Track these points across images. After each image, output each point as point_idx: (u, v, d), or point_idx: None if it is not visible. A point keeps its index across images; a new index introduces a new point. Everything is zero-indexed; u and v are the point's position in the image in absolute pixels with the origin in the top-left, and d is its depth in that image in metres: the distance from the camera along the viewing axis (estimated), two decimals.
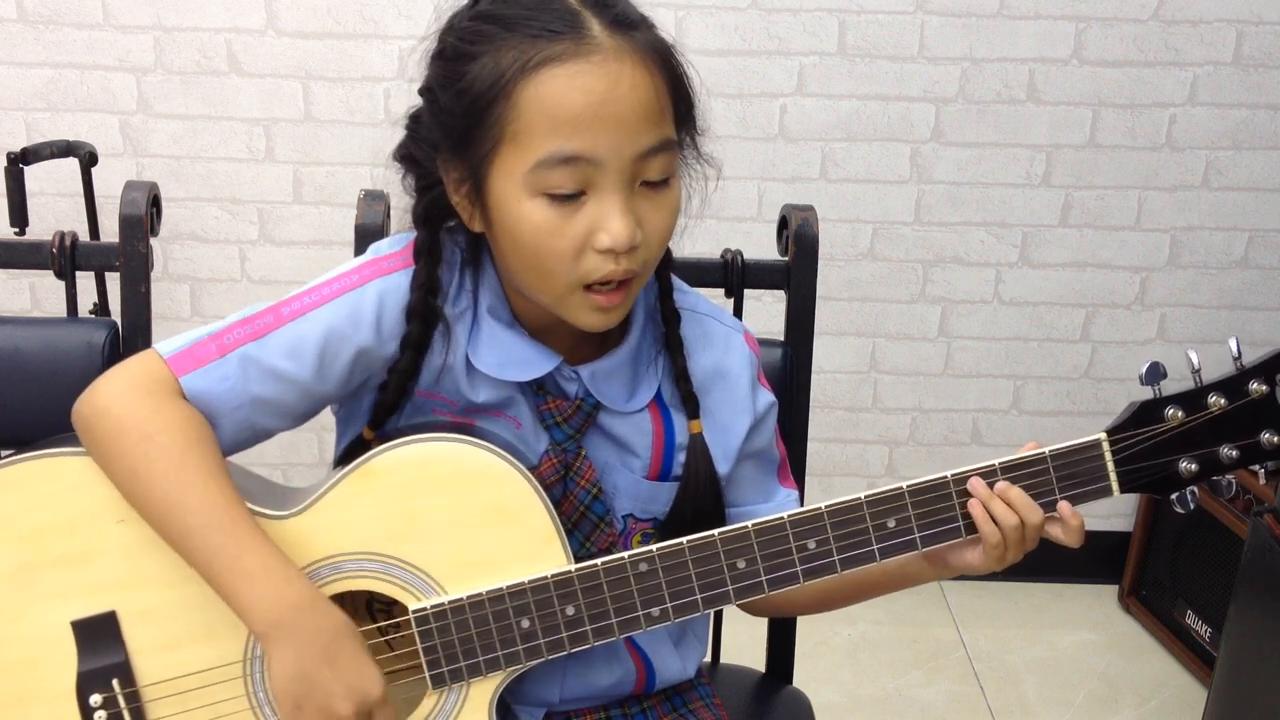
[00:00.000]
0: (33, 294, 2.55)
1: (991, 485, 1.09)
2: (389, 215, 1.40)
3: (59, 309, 2.19)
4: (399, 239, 1.15)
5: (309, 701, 1.01)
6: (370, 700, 1.02)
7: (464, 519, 1.08)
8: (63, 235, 1.42)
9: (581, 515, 1.16)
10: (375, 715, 1.03)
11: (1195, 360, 1.09)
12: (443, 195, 1.08)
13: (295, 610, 1.01)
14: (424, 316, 1.10)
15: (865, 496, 1.09)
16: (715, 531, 1.09)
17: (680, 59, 1.07)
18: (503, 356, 1.12)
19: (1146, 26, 2.43)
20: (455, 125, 1.03)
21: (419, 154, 1.08)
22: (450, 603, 1.08)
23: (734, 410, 1.20)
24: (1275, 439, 1.09)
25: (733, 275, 1.46)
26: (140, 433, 1.03)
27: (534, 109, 0.99)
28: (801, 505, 1.24)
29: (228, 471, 1.06)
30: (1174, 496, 1.11)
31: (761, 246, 1.49)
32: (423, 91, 1.09)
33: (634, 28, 1.03)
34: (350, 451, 1.16)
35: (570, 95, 0.99)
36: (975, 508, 1.09)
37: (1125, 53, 2.45)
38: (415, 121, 1.10)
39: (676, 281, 1.21)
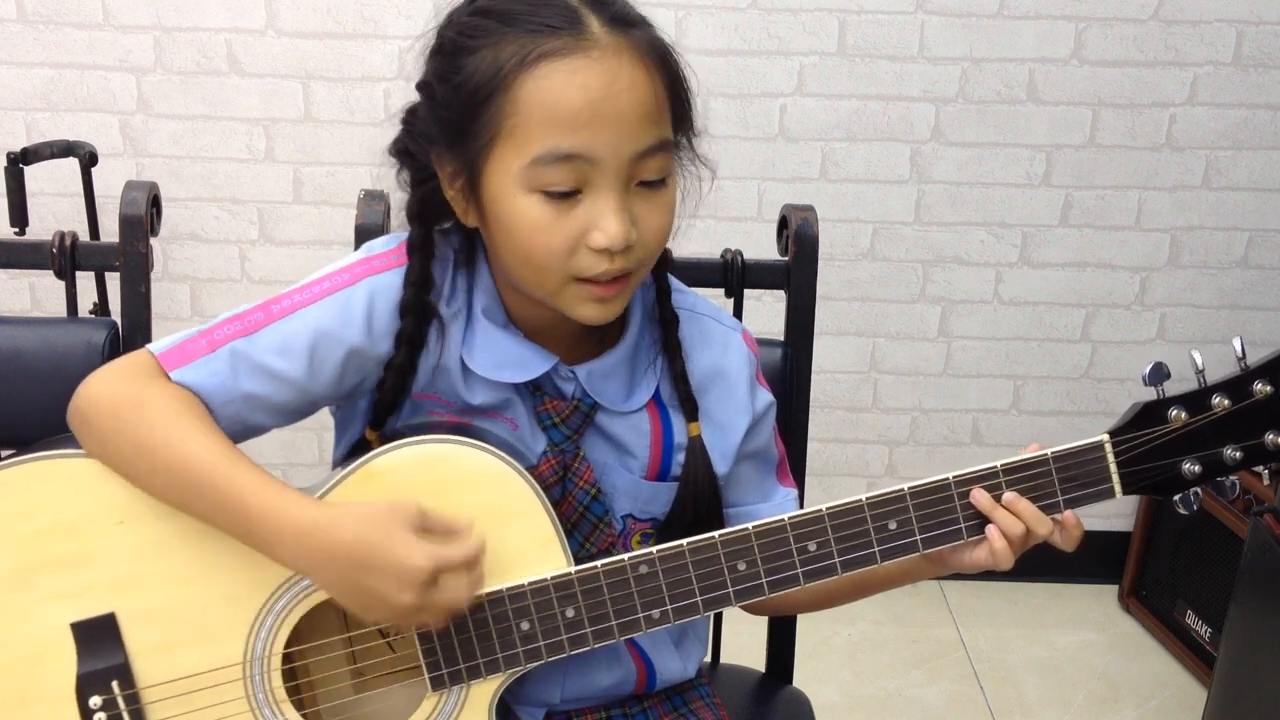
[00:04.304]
0: (33, 294, 2.55)
1: (994, 491, 1.09)
2: (389, 215, 1.40)
3: (59, 309, 2.20)
4: (393, 238, 1.14)
5: (372, 609, 1.03)
6: (423, 577, 0.99)
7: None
8: (63, 235, 1.42)
9: (580, 516, 1.16)
10: (442, 579, 1.01)
11: (1199, 361, 1.09)
12: (437, 190, 1.08)
13: (302, 542, 1.00)
14: (417, 312, 1.10)
15: (866, 498, 1.09)
16: (716, 534, 1.09)
17: (678, 59, 1.06)
18: (498, 358, 1.12)
19: (1146, 26, 2.43)
20: (452, 119, 1.03)
21: (414, 148, 1.08)
22: None
23: (732, 410, 1.20)
24: (1279, 440, 1.08)
25: (733, 275, 1.46)
26: (133, 403, 1.04)
27: (532, 104, 0.99)
28: (801, 505, 1.25)
29: (222, 434, 1.06)
30: (1177, 498, 1.11)
31: (761, 246, 1.49)
32: (420, 86, 1.08)
33: (633, 26, 1.03)
34: (351, 453, 1.16)
35: (569, 91, 0.99)
36: (992, 529, 1.09)
37: (1125, 53, 2.45)
38: (411, 115, 1.09)
39: (675, 282, 1.21)
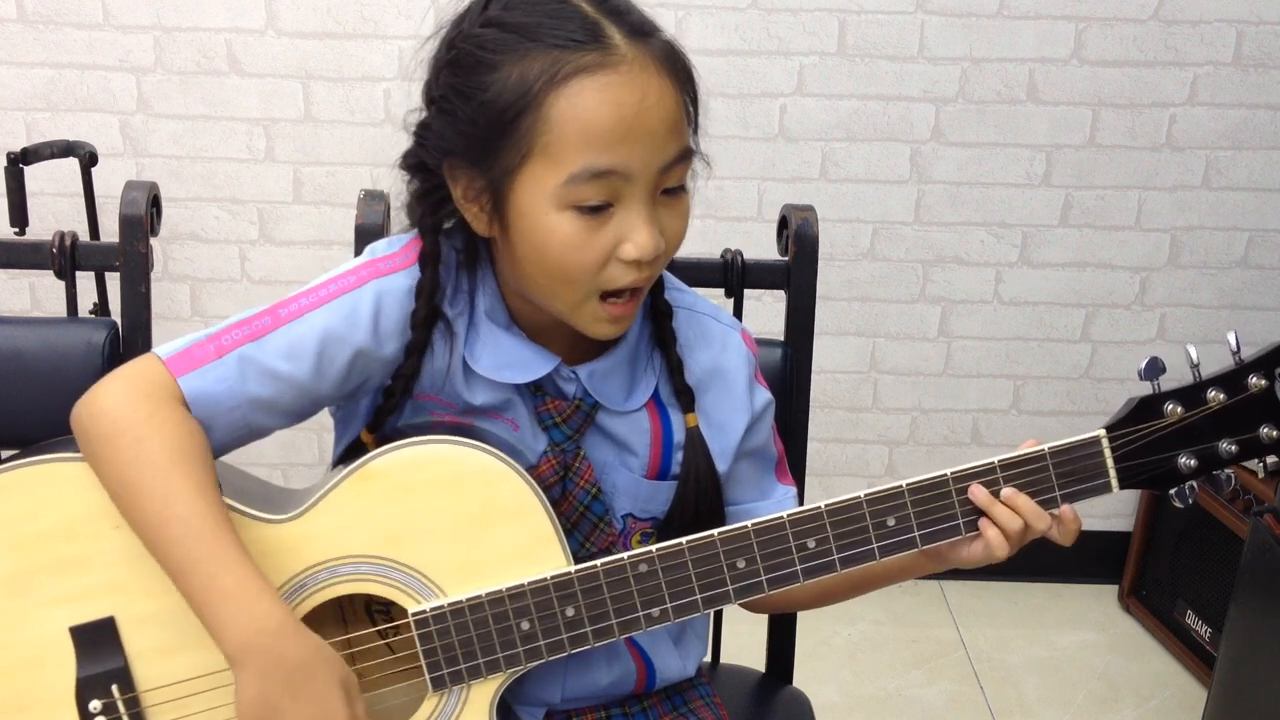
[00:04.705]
0: (33, 294, 2.55)
1: (992, 487, 1.09)
2: (389, 215, 1.40)
3: (59, 309, 2.20)
4: (396, 240, 1.14)
5: None
6: None
7: (463, 521, 1.08)
8: (63, 235, 1.42)
9: (581, 515, 1.16)
10: None
11: (1194, 355, 1.09)
12: (447, 200, 1.08)
13: (262, 635, 0.99)
14: (429, 322, 1.10)
15: (865, 495, 1.09)
16: (715, 531, 1.09)
17: (689, 63, 1.07)
18: (500, 359, 1.12)
19: (1146, 26, 2.43)
20: (477, 135, 1.03)
21: (430, 161, 1.08)
22: (450, 605, 1.08)
23: (731, 409, 1.20)
24: (1274, 433, 1.09)
25: (733, 275, 1.46)
26: (133, 435, 1.03)
27: (566, 121, 0.99)
28: (800, 503, 1.25)
29: (217, 485, 1.05)
30: (1173, 492, 1.11)
31: (761, 246, 1.49)
32: (434, 100, 1.08)
33: (650, 34, 1.04)
34: (349, 453, 1.16)
35: (603, 109, 0.99)
36: (986, 525, 1.10)
37: (1125, 53, 2.45)
38: (424, 129, 1.09)
39: (675, 280, 1.21)
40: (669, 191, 1.05)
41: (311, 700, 0.99)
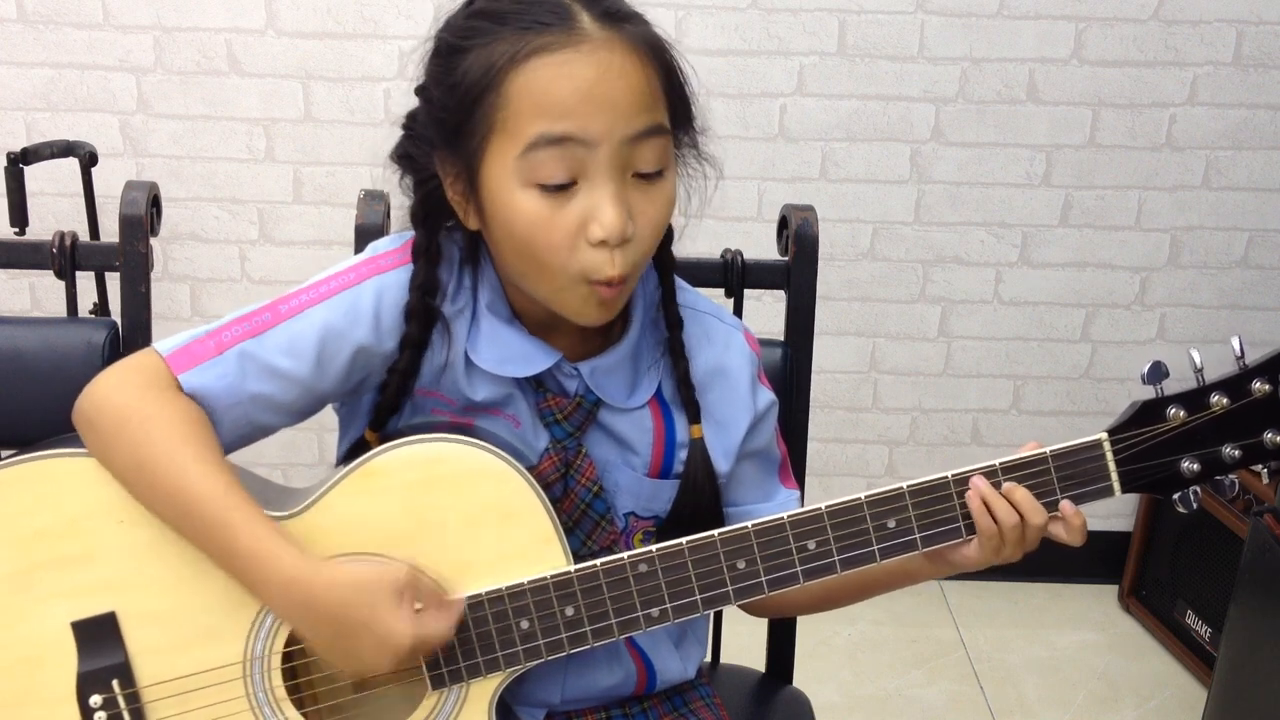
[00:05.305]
0: (33, 294, 2.55)
1: (996, 485, 1.09)
2: (389, 215, 1.40)
3: (59, 309, 2.20)
4: (398, 237, 1.15)
5: (348, 666, 1.04)
6: (404, 650, 1.01)
7: (463, 519, 1.08)
8: (63, 235, 1.42)
9: (582, 513, 1.16)
10: (424, 652, 1.04)
11: (1198, 359, 1.09)
12: (440, 193, 1.08)
13: (290, 589, 1.01)
14: (422, 317, 1.10)
15: (865, 497, 1.09)
16: (715, 532, 1.09)
17: (674, 53, 1.06)
18: (502, 353, 1.12)
19: (1146, 26, 2.43)
20: (448, 119, 1.04)
21: (416, 152, 1.09)
22: None
23: (734, 408, 1.20)
24: (1278, 439, 1.08)
25: (733, 275, 1.46)
26: (141, 417, 1.04)
27: (522, 96, 0.99)
28: (802, 505, 1.25)
29: (225, 458, 1.06)
30: (1176, 496, 1.11)
31: (761, 246, 1.49)
32: (419, 91, 1.09)
33: (625, 20, 1.03)
34: (352, 452, 1.16)
35: (558, 81, 0.99)
36: (973, 501, 1.08)
37: (1125, 53, 2.45)
38: (412, 120, 1.10)
39: (678, 282, 1.21)
40: (645, 177, 1.04)
41: (365, 631, 1.01)
